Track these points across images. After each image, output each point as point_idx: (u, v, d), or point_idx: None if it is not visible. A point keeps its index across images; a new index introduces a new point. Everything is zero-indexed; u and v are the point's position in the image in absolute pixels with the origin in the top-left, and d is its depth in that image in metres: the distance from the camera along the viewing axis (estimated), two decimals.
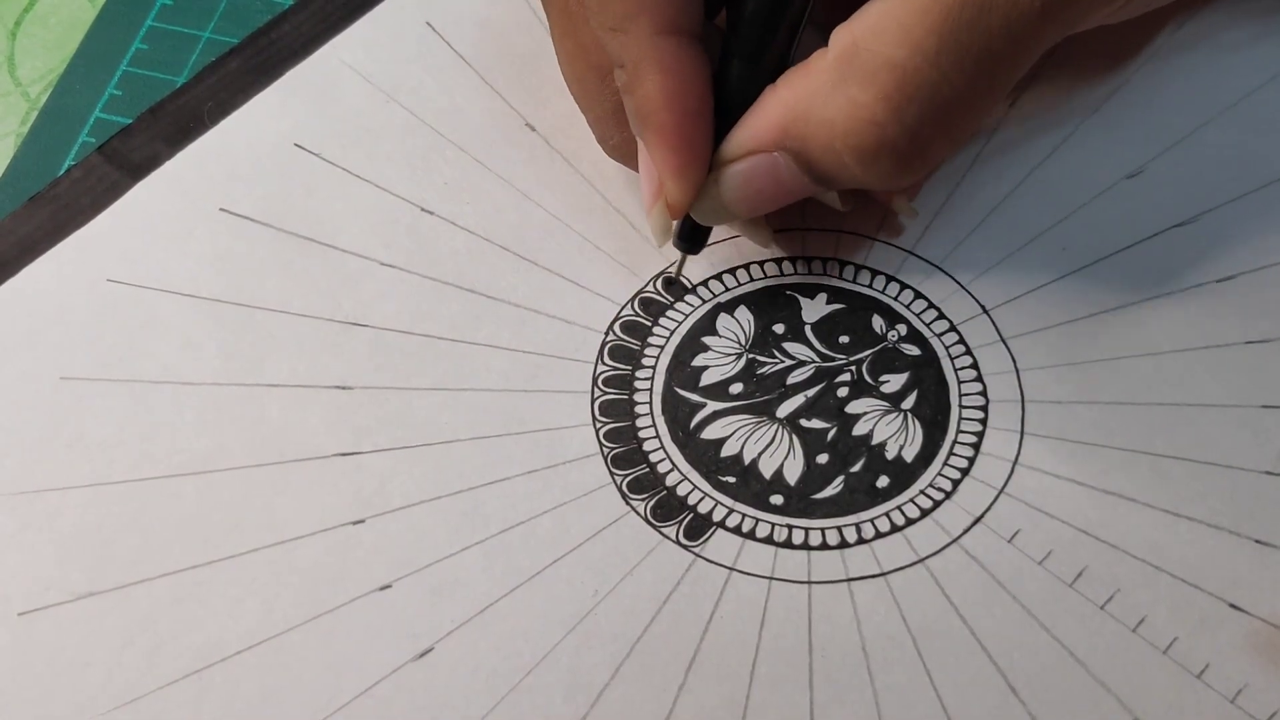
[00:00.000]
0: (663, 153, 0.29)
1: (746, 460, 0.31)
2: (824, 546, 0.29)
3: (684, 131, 0.29)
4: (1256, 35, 0.36)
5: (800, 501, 0.30)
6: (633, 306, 0.33)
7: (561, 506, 0.30)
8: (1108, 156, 0.34)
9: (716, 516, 0.30)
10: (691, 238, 0.32)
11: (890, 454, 0.30)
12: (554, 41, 0.32)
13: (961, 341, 0.32)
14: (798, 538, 0.29)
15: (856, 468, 0.30)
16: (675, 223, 0.31)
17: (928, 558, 0.29)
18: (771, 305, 0.33)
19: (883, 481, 0.30)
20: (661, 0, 0.28)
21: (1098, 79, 0.36)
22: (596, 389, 0.31)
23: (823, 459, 0.30)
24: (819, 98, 0.27)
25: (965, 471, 0.30)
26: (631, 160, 0.31)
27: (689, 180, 0.29)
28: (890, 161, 0.27)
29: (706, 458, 0.31)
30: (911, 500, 0.30)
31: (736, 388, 0.31)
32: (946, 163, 0.34)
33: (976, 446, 0.31)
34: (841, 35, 0.27)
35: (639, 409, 0.31)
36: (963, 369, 0.32)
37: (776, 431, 0.31)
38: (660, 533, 0.30)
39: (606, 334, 0.32)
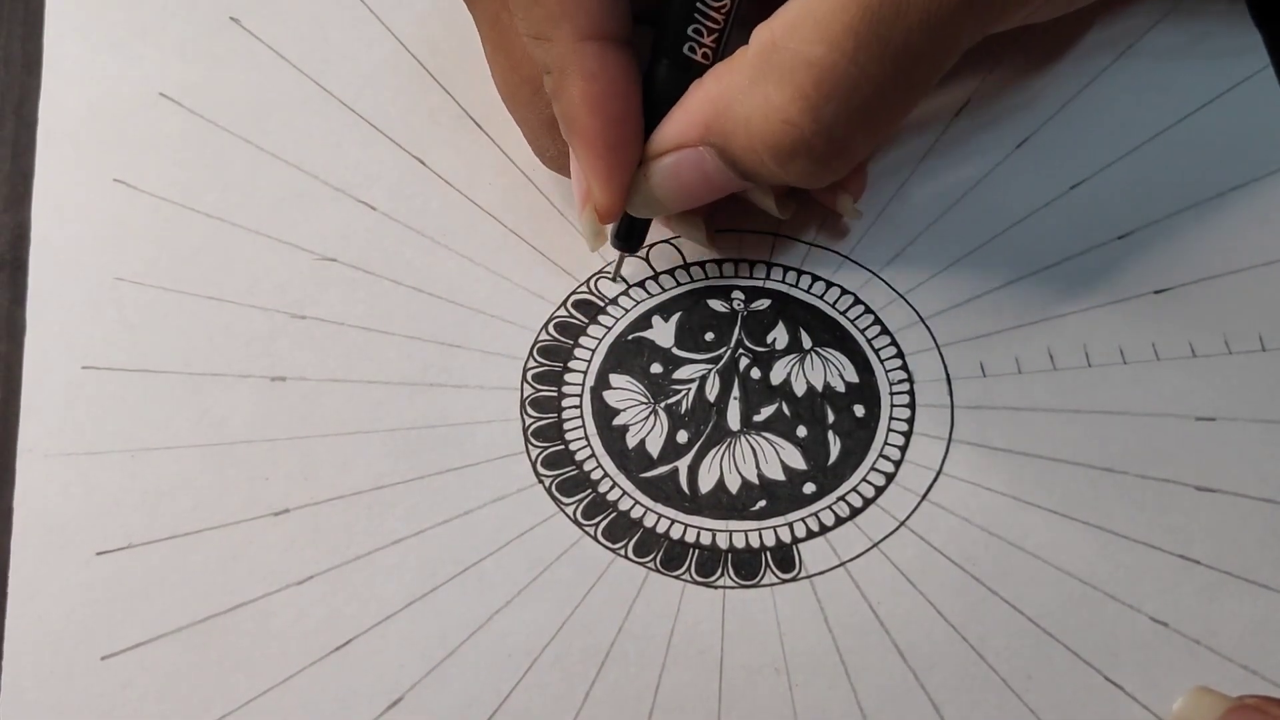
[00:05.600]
0: (588, 157, 0.29)
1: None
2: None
3: (608, 136, 0.29)
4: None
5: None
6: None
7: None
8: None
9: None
10: (628, 236, 0.32)
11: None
12: (486, 55, 0.32)
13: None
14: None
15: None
16: (610, 225, 0.31)
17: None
18: (635, 342, 0.33)
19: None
20: (585, 6, 0.28)
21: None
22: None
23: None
24: (738, 95, 0.27)
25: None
26: (568, 170, 0.31)
27: (614, 184, 0.29)
28: (807, 160, 0.27)
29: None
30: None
31: (683, 436, 0.31)
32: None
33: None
34: (761, 33, 0.27)
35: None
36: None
37: (739, 442, 0.31)
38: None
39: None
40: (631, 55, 0.29)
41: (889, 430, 0.31)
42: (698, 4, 0.28)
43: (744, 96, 0.27)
